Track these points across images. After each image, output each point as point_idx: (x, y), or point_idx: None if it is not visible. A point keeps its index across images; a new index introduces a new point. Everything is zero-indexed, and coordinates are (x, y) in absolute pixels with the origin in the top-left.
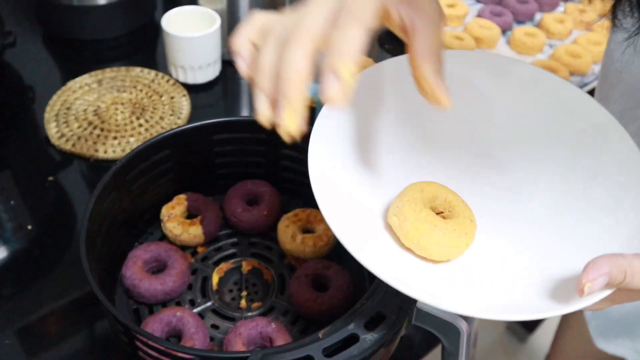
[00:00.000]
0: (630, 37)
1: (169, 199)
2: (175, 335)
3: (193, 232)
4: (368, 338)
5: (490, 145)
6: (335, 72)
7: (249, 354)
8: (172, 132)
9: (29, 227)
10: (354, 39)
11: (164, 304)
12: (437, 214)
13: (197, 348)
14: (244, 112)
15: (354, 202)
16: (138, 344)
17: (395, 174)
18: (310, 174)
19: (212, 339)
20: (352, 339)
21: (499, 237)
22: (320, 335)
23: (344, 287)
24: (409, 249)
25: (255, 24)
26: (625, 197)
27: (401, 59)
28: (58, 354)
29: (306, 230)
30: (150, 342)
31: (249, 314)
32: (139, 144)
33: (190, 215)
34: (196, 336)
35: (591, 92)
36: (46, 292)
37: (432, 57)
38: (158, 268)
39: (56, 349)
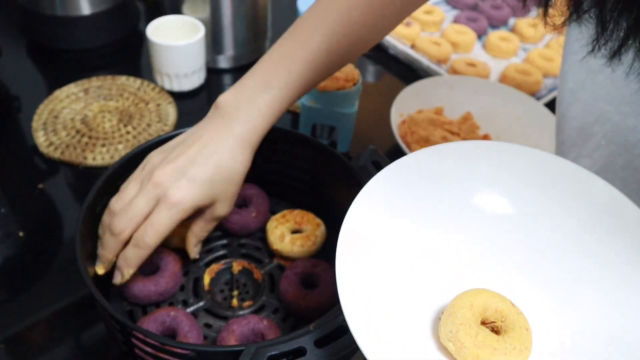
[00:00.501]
0: (584, 57)
1: None
2: (170, 334)
3: (184, 236)
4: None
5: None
6: (121, 272)
7: (243, 348)
8: (161, 138)
9: (20, 234)
10: (137, 254)
11: (158, 304)
12: (489, 324)
13: (193, 343)
14: None
15: (391, 320)
16: (135, 341)
17: (433, 278)
18: (339, 292)
19: (205, 337)
20: (342, 330)
21: (551, 335)
22: (311, 327)
23: (332, 285)
24: None
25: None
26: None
27: (437, 149)
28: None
29: (294, 231)
30: (147, 339)
31: (241, 312)
32: (128, 150)
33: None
34: (190, 334)
35: None
36: (39, 298)
37: (199, 235)
38: (151, 270)
39: (49, 355)
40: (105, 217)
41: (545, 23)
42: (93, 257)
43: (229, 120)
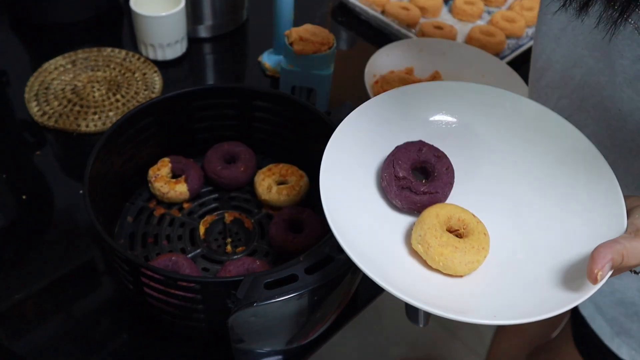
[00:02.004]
0: (556, 12)
1: (154, 162)
2: None
3: (179, 190)
4: (342, 258)
5: (490, 167)
6: None
7: (242, 277)
8: (154, 100)
9: (24, 197)
10: None
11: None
12: (454, 232)
13: (198, 276)
14: (211, 83)
15: (369, 227)
16: (144, 279)
17: None
18: (322, 199)
19: None
20: (328, 259)
21: (505, 244)
22: (301, 258)
23: (317, 228)
24: (435, 270)
25: None
26: (595, 202)
27: (409, 89)
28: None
29: (280, 182)
30: (155, 275)
31: (235, 257)
32: (118, 117)
33: (174, 175)
34: (191, 274)
35: (527, 52)
36: (38, 265)
37: None
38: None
39: (42, 327)
40: None
41: None
42: (97, 214)
43: None
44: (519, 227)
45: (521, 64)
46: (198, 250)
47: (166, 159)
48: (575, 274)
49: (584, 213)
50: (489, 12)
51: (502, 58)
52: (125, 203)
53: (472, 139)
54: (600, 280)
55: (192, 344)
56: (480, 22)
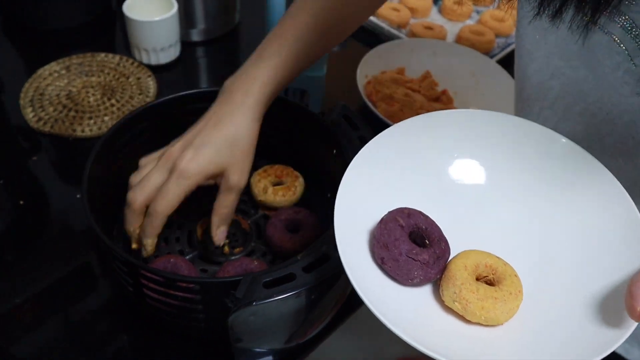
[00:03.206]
0: (531, 21)
1: None
2: None
3: None
4: (338, 256)
5: (500, 204)
6: (143, 243)
7: (241, 277)
8: (150, 104)
9: (21, 202)
10: (151, 223)
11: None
12: (483, 279)
13: (197, 276)
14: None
15: (393, 288)
16: (143, 281)
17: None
18: (339, 248)
19: None
20: (325, 258)
21: (531, 283)
22: (299, 257)
23: (313, 227)
24: (473, 323)
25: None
26: (614, 226)
27: (420, 119)
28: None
29: (276, 183)
30: (154, 276)
31: (233, 257)
32: (114, 122)
33: None
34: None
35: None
36: (36, 267)
37: (220, 212)
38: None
39: (38, 331)
40: (127, 194)
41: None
42: (96, 218)
43: (229, 95)
44: (541, 263)
45: (510, 62)
46: (196, 252)
47: None
48: (610, 307)
49: (608, 242)
50: (478, 12)
51: (491, 57)
52: (122, 206)
53: (482, 174)
54: None
55: (192, 344)
56: (469, 22)
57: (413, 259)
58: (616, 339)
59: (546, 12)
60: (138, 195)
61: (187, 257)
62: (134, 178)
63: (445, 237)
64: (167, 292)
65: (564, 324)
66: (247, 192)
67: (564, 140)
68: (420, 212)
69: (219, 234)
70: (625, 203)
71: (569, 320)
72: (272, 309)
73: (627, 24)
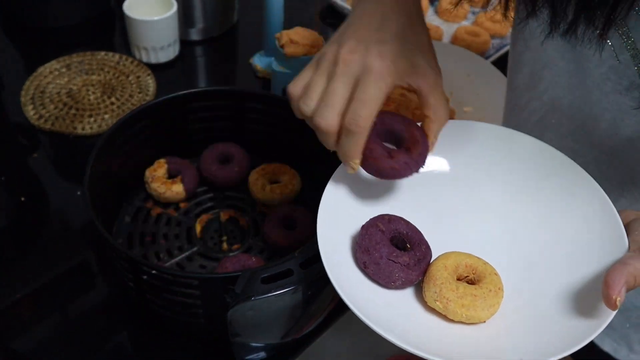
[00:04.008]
0: (543, 41)
1: (150, 163)
2: None
3: (175, 190)
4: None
5: (479, 205)
6: (349, 166)
7: (240, 273)
8: (150, 103)
9: (22, 198)
10: (354, 141)
11: None
12: (464, 279)
13: (197, 271)
14: (203, 85)
15: (373, 290)
16: (144, 276)
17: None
18: (320, 249)
19: None
20: None
21: (512, 281)
22: (296, 254)
23: (310, 225)
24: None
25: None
26: (592, 223)
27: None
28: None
29: (273, 181)
30: (155, 272)
31: (231, 254)
32: (114, 120)
33: (170, 176)
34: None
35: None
36: (43, 259)
37: (439, 120)
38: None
39: (36, 328)
40: (312, 118)
41: (505, 17)
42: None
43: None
44: (520, 262)
45: (505, 63)
46: (195, 249)
47: (162, 160)
48: (589, 300)
49: (583, 237)
50: (474, 13)
51: (487, 58)
52: (123, 203)
53: (458, 179)
54: (619, 305)
55: (191, 339)
56: (465, 23)
57: (393, 261)
58: (594, 329)
59: (558, 30)
60: (329, 116)
61: (186, 254)
62: (296, 89)
63: (426, 241)
64: (167, 287)
65: (544, 319)
66: (244, 190)
67: (535, 140)
68: (401, 218)
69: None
70: (600, 199)
71: (549, 314)
72: (269, 304)
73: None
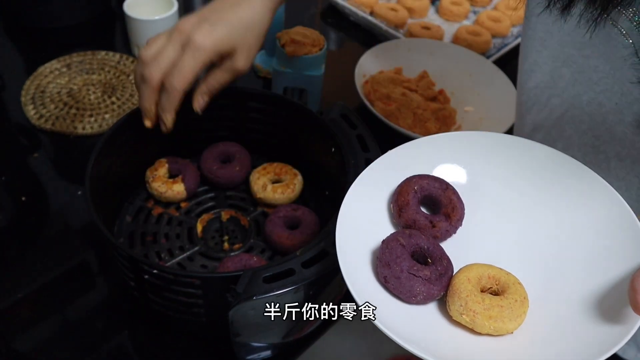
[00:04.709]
0: (540, 13)
1: (151, 163)
2: None
3: (176, 189)
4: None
5: (496, 215)
6: (162, 120)
7: (242, 273)
8: None
9: (23, 198)
10: (169, 99)
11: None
12: (488, 290)
13: (198, 271)
14: None
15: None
16: (146, 276)
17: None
18: (342, 269)
19: None
20: (323, 254)
21: (535, 289)
22: (298, 253)
23: (312, 224)
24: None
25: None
26: (612, 229)
27: (424, 140)
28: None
29: (274, 181)
30: (157, 271)
31: (232, 253)
32: (115, 119)
33: (171, 175)
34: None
35: (513, 51)
36: (44, 258)
37: (211, 83)
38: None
39: (36, 329)
40: (138, 68)
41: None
42: (99, 213)
43: None
44: (541, 270)
45: (507, 63)
46: (196, 248)
47: (163, 160)
48: (614, 306)
49: (603, 242)
50: (474, 12)
51: (488, 57)
52: (124, 203)
53: (475, 189)
54: None
55: (192, 339)
56: (466, 22)
57: (414, 275)
58: (622, 336)
59: (556, 5)
60: (154, 71)
61: (188, 253)
62: (145, 53)
63: (447, 256)
64: (169, 287)
65: (570, 327)
66: (246, 189)
67: (549, 149)
68: (421, 233)
69: (201, 101)
70: (618, 204)
71: (575, 322)
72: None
73: (636, 17)
